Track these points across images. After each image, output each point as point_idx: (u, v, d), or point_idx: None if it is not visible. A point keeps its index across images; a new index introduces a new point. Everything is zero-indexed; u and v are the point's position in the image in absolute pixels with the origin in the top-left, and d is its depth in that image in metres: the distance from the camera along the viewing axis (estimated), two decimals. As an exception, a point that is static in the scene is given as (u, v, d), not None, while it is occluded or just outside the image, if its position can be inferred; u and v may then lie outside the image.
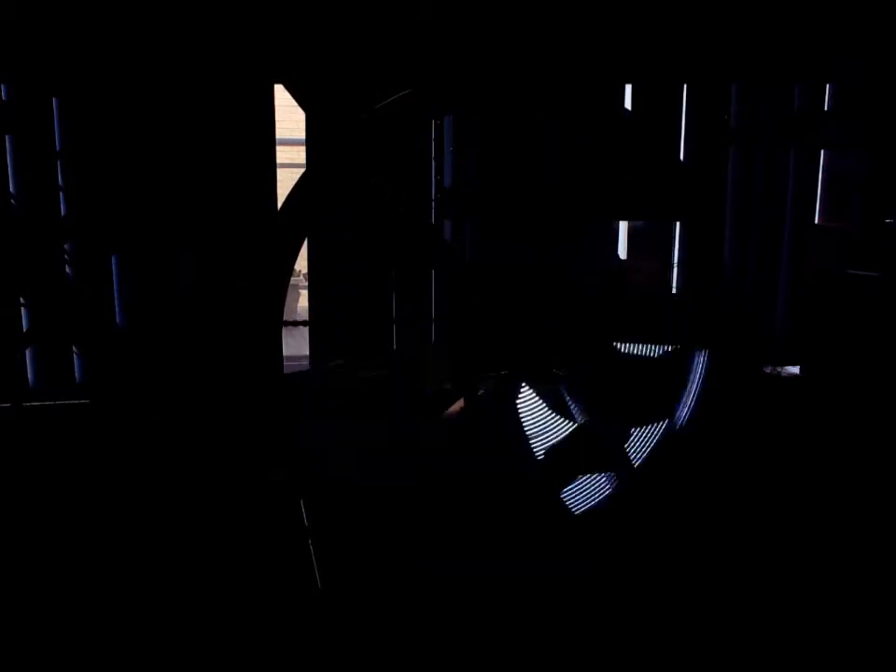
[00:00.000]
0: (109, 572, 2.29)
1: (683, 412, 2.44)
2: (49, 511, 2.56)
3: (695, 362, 2.44)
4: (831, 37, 3.19)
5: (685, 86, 3.26)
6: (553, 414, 2.37)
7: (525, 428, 2.37)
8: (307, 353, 3.20)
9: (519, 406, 2.36)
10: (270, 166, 2.94)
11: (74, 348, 2.94)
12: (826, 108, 3.45)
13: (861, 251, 3.22)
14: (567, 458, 2.36)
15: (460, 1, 2.86)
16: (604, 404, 2.38)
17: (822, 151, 3.49)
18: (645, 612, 2.17)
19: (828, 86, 3.43)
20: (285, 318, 2.17)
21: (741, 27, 3.10)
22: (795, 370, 3.48)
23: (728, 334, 2.47)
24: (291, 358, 3.55)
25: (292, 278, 2.18)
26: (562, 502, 2.35)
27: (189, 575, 2.28)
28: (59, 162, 2.82)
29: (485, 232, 2.45)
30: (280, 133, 3.01)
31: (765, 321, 3.52)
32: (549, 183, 2.38)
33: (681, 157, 3.29)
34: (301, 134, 2.99)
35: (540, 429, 2.39)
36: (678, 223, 3.26)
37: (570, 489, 2.38)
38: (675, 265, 3.32)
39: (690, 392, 2.44)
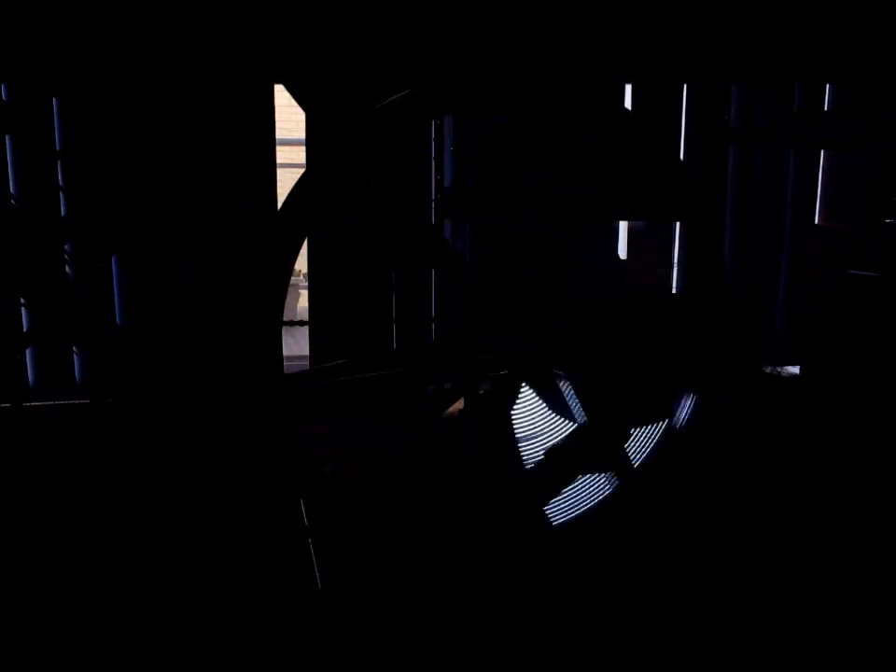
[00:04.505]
0: (109, 572, 2.28)
1: (683, 412, 2.44)
2: (50, 511, 2.56)
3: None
4: (831, 38, 3.19)
5: (685, 86, 3.27)
6: (553, 414, 2.37)
7: (524, 428, 2.37)
8: (307, 353, 3.20)
9: (518, 406, 2.36)
10: (270, 166, 2.95)
11: (74, 348, 2.94)
12: (826, 108, 3.45)
13: (861, 251, 3.22)
14: (565, 459, 2.36)
15: (461, 1, 2.86)
16: (604, 404, 2.38)
17: (822, 151, 3.49)
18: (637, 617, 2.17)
19: (828, 86, 3.43)
20: (285, 318, 2.16)
21: (741, 27, 3.10)
22: (795, 370, 3.48)
23: (728, 334, 2.47)
24: (291, 358, 3.55)
25: (292, 278, 2.18)
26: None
27: (189, 575, 2.28)
28: (59, 162, 2.82)
29: (485, 233, 2.45)
30: (280, 133, 3.01)
31: (765, 321, 3.53)
32: (549, 183, 2.38)
33: (681, 157, 3.29)
34: (301, 134, 2.99)
35: (539, 430, 2.39)
36: (678, 223, 3.27)
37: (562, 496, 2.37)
38: (675, 265, 3.32)
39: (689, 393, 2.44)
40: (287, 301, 2.17)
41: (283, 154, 3.14)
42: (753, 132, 3.35)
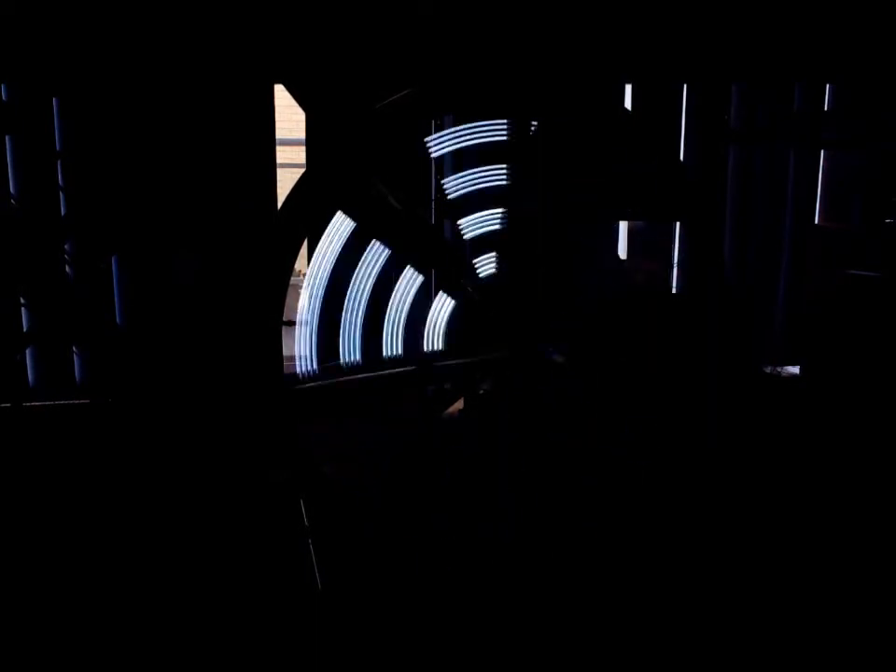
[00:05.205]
0: (110, 571, 2.28)
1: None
2: (50, 510, 2.56)
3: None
4: (831, 37, 3.19)
5: (685, 86, 3.26)
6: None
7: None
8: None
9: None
10: (270, 166, 2.94)
11: (74, 348, 2.94)
12: (826, 108, 3.45)
13: (861, 251, 3.22)
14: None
15: (460, 1, 2.86)
16: (603, 401, 2.38)
17: (822, 151, 3.49)
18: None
19: (828, 86, 3.43)
20: (285, 318, 2.17)
21: (741, 27, 3.09)
22: (795, 370, 3.48)
23: (728, 334, 2.47)
24: (291, 358, 3.54)
25: (292, 278, 2.18)
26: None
27: (189, 575, 2.28)
28: (59, 162, 2.82)
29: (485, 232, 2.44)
30: (280, 133, 3.01)
31: (765, 321, 3.52)
32: (549, 183, 2.38)
33: (681, 157, 3.29)
34: (301, 134, 2.99)
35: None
36: (678, 223, 3.26)
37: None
38: (675, 265, 3.32)
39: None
40: (287, 301, 2.17)
41: (283, 154, 3.13)
42: (753, 132, 3.35)
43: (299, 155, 3.34)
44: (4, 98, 2.77)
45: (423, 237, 2.45)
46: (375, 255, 2.41)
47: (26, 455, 2.73)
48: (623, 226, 3.26)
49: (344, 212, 2.25)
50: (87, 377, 2.97)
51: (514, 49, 2.89)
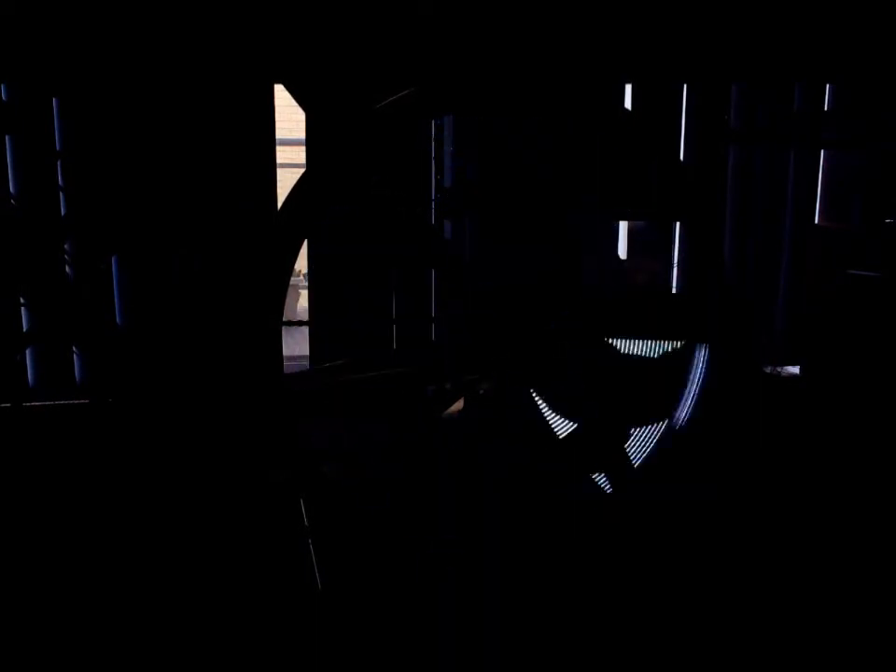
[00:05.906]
0: (109, 572, 2.28)
1: (683, 412, 2.44)
2: (49, 511, 2.56)
3: (696, 361, 2.44)
4: (831, 37, 3.19)
5: (685, 86, 3.27)
6: (553, 414, 2.37)
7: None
8: (307, 353, 3.20)
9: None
10: (270, 166, 2.95)
11: (74, 348, 2.94)
12: (826, 108, 3.45)
13: (861, 251, 3.22)
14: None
15: (461, 1, 2.86)
16: (603, 403, 2.38)
17: (822, 151, 3.49)
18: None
19: (828, 86, 3.43)
20: (285, 318, 2.16)
21: (741, 27, 3.10)
22: (795, 370, 3.48)
23: (728, 334, 2.47)
24: (291, 358, 3.55)
25: (292, 278, 2.18)
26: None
27: (188, 575, 2.28)
28: (59, 162, 2.82)
29: (485, 232, 2.45)
30: (280, 133, 3.01)
31: (765, 321, 3.53)
32: (549, 183, 2.38)
33: (681, 157, 3.29)
34: (301, 134, 2.99)
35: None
36: (678, 223, 3.27)
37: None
38: (675, 265, 3.33)
39: (689, 392, 2.44)
40: (287, 301, 2.17)
41: (283, 154, 3.14)
42: (753, 132, 3.35)
43: (299, 155, 3.34)
44: (4, 98, 2.77)
45: (423, 237, 2.46)
46: (375, 255, 2.42)
47: (26, 454, 2.74)
48: (623, 226, 3.26)
49: (344, 212, 2.26)
50: (87, 377, 2.97)
51: (514, 48, 2.89)
